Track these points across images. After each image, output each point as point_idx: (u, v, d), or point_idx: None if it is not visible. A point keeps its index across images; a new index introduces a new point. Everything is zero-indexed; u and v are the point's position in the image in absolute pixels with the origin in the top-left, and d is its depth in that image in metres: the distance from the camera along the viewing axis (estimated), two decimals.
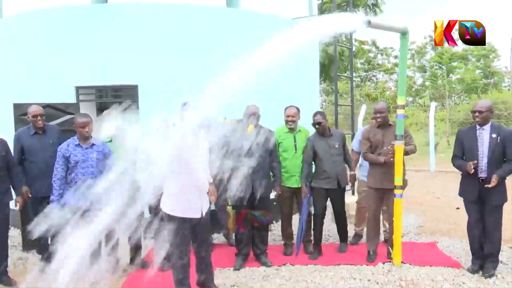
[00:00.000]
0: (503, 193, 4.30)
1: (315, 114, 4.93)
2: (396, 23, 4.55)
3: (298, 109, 5.07)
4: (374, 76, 36.13)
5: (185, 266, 3.74)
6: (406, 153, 4.70)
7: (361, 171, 5.45)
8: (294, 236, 5.28)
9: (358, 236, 5.57)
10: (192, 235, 3.79)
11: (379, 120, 4.78)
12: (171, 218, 3.65)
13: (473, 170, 4.19)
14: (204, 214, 3.76)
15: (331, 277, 4.44)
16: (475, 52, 30.76)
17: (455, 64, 31.44)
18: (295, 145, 4.98)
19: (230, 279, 4.42)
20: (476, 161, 4.23)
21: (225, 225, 5.14)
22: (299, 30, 2.84)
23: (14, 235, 6.02)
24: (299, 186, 5.00)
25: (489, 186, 4.14)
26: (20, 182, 4.57)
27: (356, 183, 5.62)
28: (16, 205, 4.47)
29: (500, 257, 4.55)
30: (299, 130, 5.08)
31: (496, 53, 31.38)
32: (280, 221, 5.31)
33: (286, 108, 5.07)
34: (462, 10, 53.62)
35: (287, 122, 5.01)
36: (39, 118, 4.63)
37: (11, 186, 4.45)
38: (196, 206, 3.70)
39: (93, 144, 4.31)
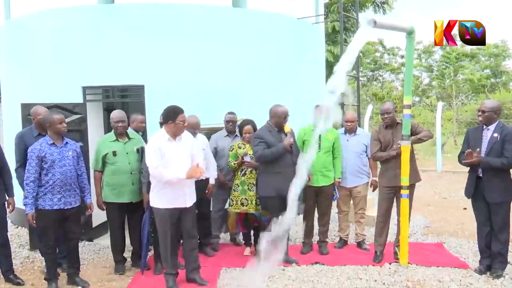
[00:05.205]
0: (505, 190, 4.26)
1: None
2: (402, 23, 4.53)
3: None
4: (380, 75, 35.90)
5: (168, 248, 4.09)
6: (421, 140, 4.68)
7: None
8: (314, 235, 5.30)
9: (342, 241, 5.42)
10: (178, 226, 4.12)
11: (387, 120, 4.76)
12: (155, 210, 4.07)
13: (473, 157, 4.15)
14: (187, 206, 4.06)
15: (337, 277, 4.43)
16: (486, 51, 30.42)
17: (463, 63, 31.17)
18: (319, 144, 4.98)
19: (235, 279, 4.41)
20: (478, 149, 4.24)
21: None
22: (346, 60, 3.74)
23: (22, 234, 6.08)
24: (323, 185, 5.01)
25: (467, 161, 4.20)
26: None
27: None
28: (8, 207, 4.47)
29: (509, 258, 4.52)
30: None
31: (508, 52, 31.09)
32: (304, 220, 5.27)
33: (315, 107, 5.04)
34: (478, 9, 52.98)
35: None
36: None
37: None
38: (178, 197, 4.00)
39: (66, 143, 4.15)
